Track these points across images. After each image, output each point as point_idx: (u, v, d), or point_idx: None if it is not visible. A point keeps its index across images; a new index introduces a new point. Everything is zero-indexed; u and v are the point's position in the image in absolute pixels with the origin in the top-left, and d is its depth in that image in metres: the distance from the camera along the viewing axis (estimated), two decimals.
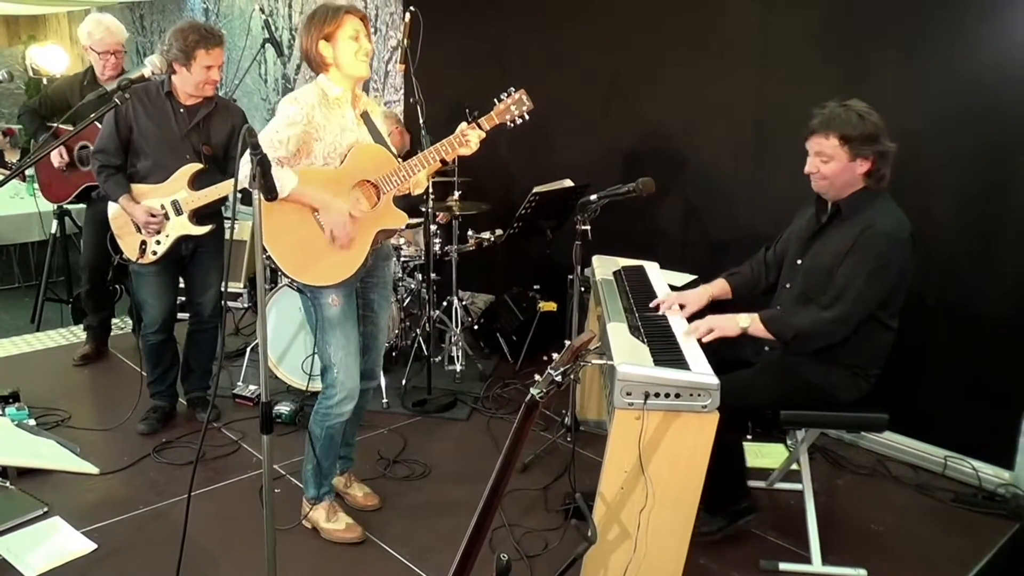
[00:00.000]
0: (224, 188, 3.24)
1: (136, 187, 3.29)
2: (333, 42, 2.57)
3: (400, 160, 2.73)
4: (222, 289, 3.55)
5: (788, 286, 2.79)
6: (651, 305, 2.87)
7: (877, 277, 2.48)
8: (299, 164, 2.60)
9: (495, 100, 2.74)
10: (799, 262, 2.76)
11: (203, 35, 3.14)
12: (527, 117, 2.74)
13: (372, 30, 5.60)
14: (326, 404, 2.75)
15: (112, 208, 3.34)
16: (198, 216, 3.32)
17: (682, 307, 2.87)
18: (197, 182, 3.28)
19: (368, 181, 2.68)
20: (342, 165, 2.64)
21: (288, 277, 2.64)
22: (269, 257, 2.60)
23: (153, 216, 3.25)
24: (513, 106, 2.72)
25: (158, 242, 3.32)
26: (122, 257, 3.41)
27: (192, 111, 3.30)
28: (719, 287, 2.97)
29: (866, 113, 2.51)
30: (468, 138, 2.70)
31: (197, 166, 3.28)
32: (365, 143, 2.69)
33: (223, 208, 3.43)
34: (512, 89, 2.73)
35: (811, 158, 2.59)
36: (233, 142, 3.33)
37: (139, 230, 3.30)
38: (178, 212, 3.29)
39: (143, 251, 3.32)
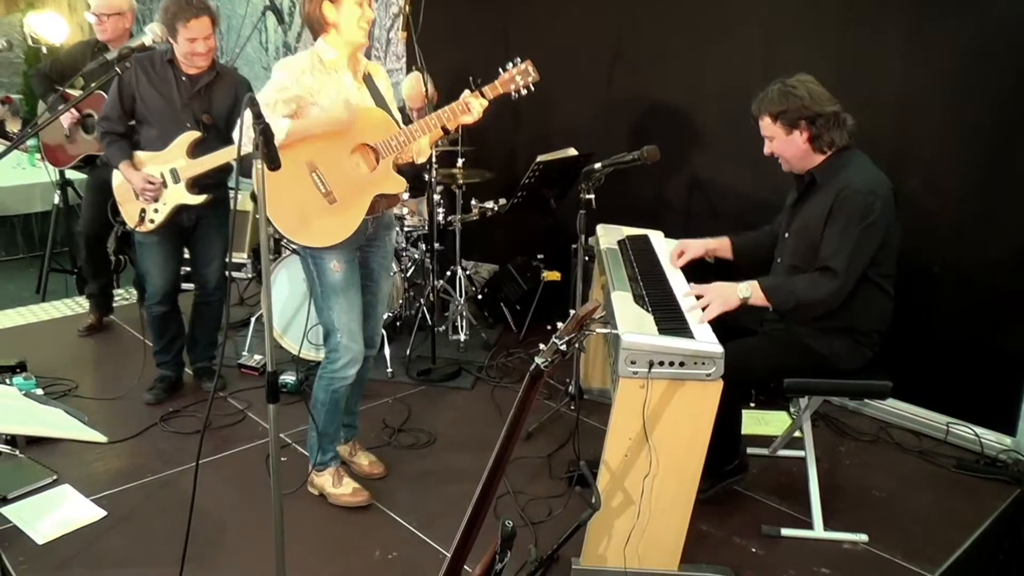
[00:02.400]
0: (221, 156, 3.21)
1: (137, 155, 3.28)
2: (338, 4, 2.54)
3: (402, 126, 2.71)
4: (227, 260, 3.55)
5: (779, 260, 2.83)
6: (659, 265, 2.96)
7: (863, 234, 2.50)
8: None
9: (500, 69, 2.70)
10: (786, 236, 2.80)
11: (181, 7, 3.08)
12: (532, 88, 2.71)
13: None
14: (331, 368, 2.77)
15: (116, 176, 3.35)
16: (197, 185, 3.30)
17: (681, 255, 3.00)
18: (196, 151, 3.26)
19: (367, 144, 2.66)
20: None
21: (283, 237, 2.62)
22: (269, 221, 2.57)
23: (151, 183, 3.24)
24: (518, 76, 2.68)
25: (156, 210, 3.31)
26: (124, 226, 3.42)
27: (194, 79, 3.27)
28: (719, 241, 3.04)
29: (791, 87, 2.59)
30: (471, 106, 2.66)
31: (196, 134, 3.26)
32: (365, 106, 2.66)
33: (227, 179, 3.42)
34: (518, 59, 2.70)
35: (765, 142, 2.70)
36: (236, 112, 3.31)
37: (138, 197, 3.30)
38: (176, 180, 3.28)
39: (142, 219, 3.31)
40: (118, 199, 3.39)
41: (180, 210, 3.34)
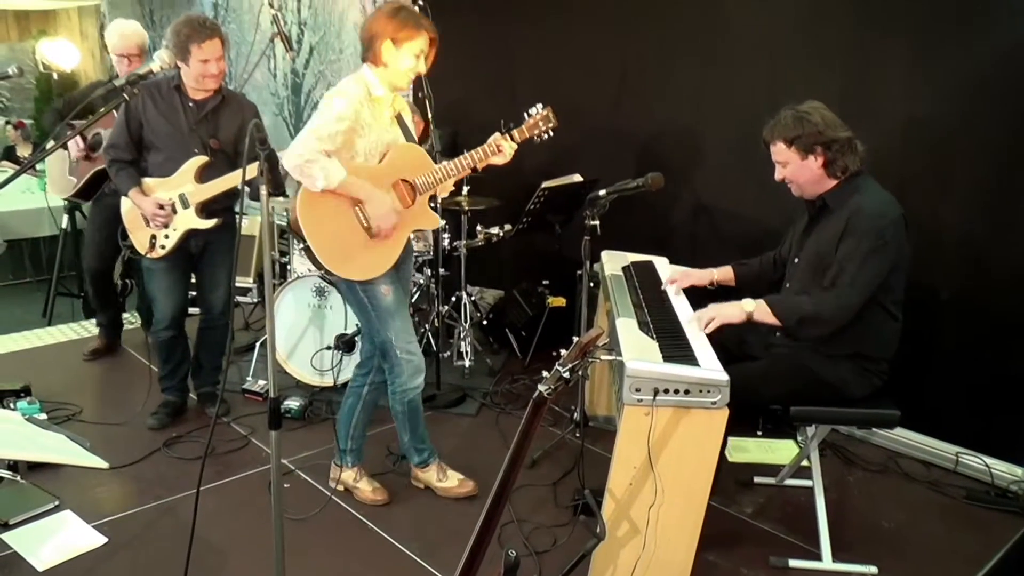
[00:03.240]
0: (230, 181, 3.24)
1: (146, 181, 3.30)
2: (398, 47, 2.63)
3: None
4: (233, 284, 3.56)
5: (788, 285, 2.82)
6: (662, 289, 3.00)
7: (874, 256, 2.50)
8: (340, 158, 2.64)
9: (524, 114, 2.87)
10: (796, 260, 2.80)
11: (195, 28, 3.12)
12: (552, 135, 2.88)
13: None
14: (398, 383, 2.89)
15: (125, 203, 3.36)
16: (205, 210, 3.33)
17: (674, 282, 3.01)
18: (204, 176, 3.29)
19: (405, 181, 2.76)
20: (381, 163, 2.72)
21: (324, 269, 2.70)
22: (308, 248, 2.64)
23: (161, 208, 3.26)
24: (541, 122, 2.87)
25: (167, 236, 3.33)
26: (133, 251, 3.44)
27: (200, 105, 3.30)
28: (723, 272, 3.04)
29: (805, 112, 2.60)
30: (502, 148, 2.82)
31: (203, 159, 3.28)
32: (403, 143, 2.78)
33: (236, 203, 3.43)
34: (540, 106, 2.87)
35: (776, 167, 2.70)
36: (243, 137, 3.33)
37: (148, 223, 3.32)
38: (185, 205, 3.30)
39: (153, 245, 3.33)
40: (128, 226, 3.41)
41: (188, 235, 3.36)
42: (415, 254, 4.35)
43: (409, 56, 2.64)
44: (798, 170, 2.64)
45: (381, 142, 2.71)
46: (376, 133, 2.68)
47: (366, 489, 3.08)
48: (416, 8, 2.76)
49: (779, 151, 2.65)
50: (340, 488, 3.10)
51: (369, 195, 2.66)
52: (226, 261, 3.53)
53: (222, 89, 3.34)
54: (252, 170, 3.06)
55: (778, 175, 2.71)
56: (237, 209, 3.32)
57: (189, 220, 3.32)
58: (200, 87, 3.26)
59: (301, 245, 2.62)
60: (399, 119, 2.83)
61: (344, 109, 2.58)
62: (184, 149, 3.28)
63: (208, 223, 3.34)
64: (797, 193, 2.73)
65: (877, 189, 2.62)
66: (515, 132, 2.84)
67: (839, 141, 2.57)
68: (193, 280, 3.62)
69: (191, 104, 3.29)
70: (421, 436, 3.07)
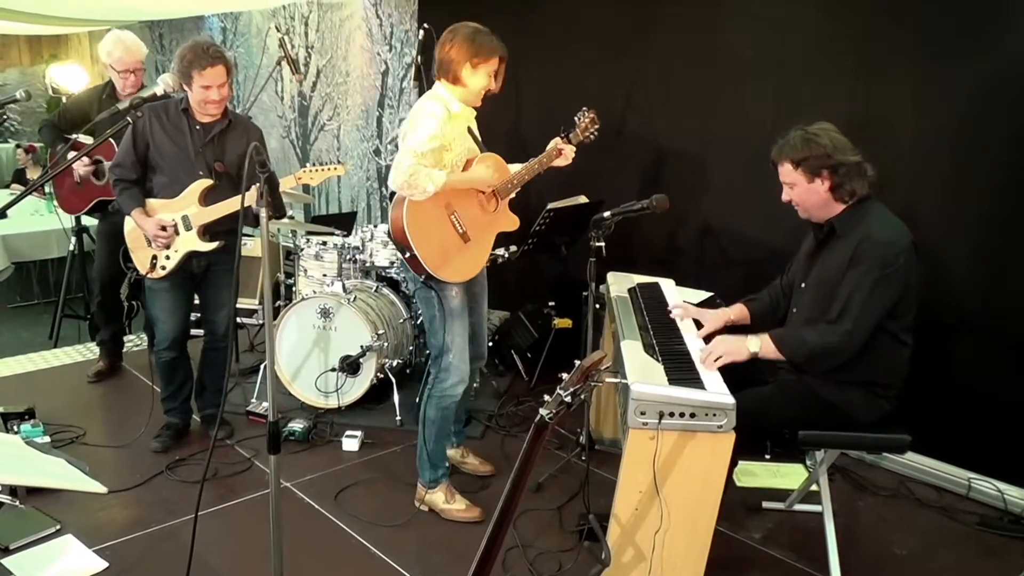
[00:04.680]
0: (232, 204, 3.25)
1: (150, 202, 3.32)
2: (476, 70, 2.83)
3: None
4: (236, 306, 3.55)
5: (795, 311, 2.79)
6: (668, 311, 3.01)
7: (881, 285, 2.46)
8: None
9: (575, 119, 3.09)
10: (803, 285, 2.76)
11: (198, 55, 3.13)
12: (597, 135, 3.12)
13: (388, 47, 5.63)
14: (440, 387, 3.00)
15: (128, 223, 3.37)
16: (208, 232, 3.33)
17: (699, 326, 2.89)
18: (208, 198, 3.30)
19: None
20: (466, 172, 2.93)
21: (427, 272, 2.85)
22: (413, 256, 2.80)
23: (163, 229, 3.26)
24: (589, 124, 3.09)
25: (167, 257, 3.34)
26: (136, 272, 3.44)
27: (207, 128, 3.31)
28: (738, 311, 2.96)
29: (814, 134, 2.57)
30: (564, 151, 3.06)
31: (208, 182, 3.29)
32: (482, 153, 3.00)
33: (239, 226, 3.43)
34: (585, 109, 3.09)
35: (784, 188, 2.68)
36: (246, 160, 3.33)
37: (150, 244, 3.32)
38: (187, 227, 3.31)
39: (154, 265, 3.34)
40: (129, 246, 3.42)
41: (190, 256, 3.36)
42: None
43: (485, 77, 2.85)
44: (805, 192, 2.60)
45: (463, 154, 2.92)
46: (459, 146, 2.89)
47: (474, 463, 3.40)
48: (486, 31, 2.88)
49: (786, 172, 2.62)
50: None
51: (471, 178, 2.91)
52: (229, 283, 3.52)
53: (228, 113, 3.36)
54: (253, 195, 3.10)
55: (785, 196, 2.68)
56: (247, 231, 3.31)
57: (190, 242, 3.33)
58: (203, 112, 3.27)
59: (406, 255, 2.82)
60: (469, 130, 2.99)
61: (436, 128, 2.77)
62: (189, 171, 3.29)
63: (209, 245, 3.34)
64: (804, 215, 2.69)
65: (887, 215, 2.58)
66: (571, 135, 3.07)
67: (847, 165, 2.53)
68: (196, 301, 3.61)
69: (198, 127, 3.30)
70: (441, 451, 3.11)
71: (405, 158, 2.72)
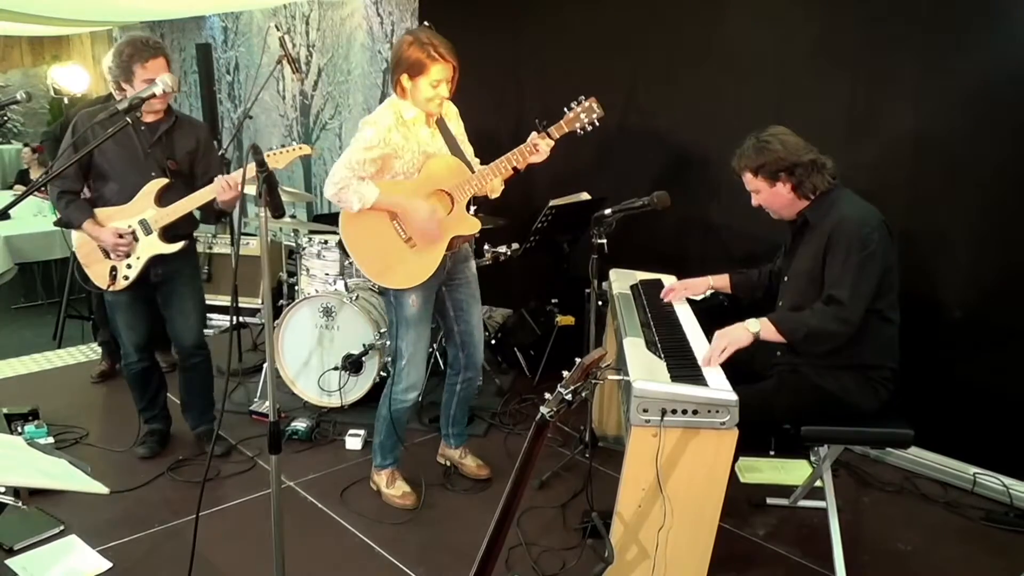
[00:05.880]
0: (195, 200, 3.11)
1: (100, 211, 3.14)
2: (414, 81, 2.74)
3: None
4: (239, 304, 3.54)
5: (780, 303, 2.81)
6: (661, 296, 3.11)
7: (864, 263, 2.49)
8: (380, 180, 2.80)
9: (565, 109, 2.86)
10: (786, 278, 2.80)
11: (138, 48, 3.00)
12: (597, 124, 2.87)
13: (389, 45, 5.62)
14: (395, 390, 3.05)
15: (76, 237, 3.20)
16: (168, 234, 3.19)
17: (671, 292, 3.11)
18: (164, 198, 3.15)
19: (442, 190, 2.88)
20: (418, 176, 2.84)
21: (370, 280, 2.85)
22: (351, 263, 2.74)
23: (121, 237, 3.10)
24: (583, 114, 2.86)
25: (129, 266, 3.17)
26: (93, 288, 3.26)
27: (153, 127, 3.17)
28: (720, 279, 3.11)
29: (766, 141, 2.64)
30: (539, 147, 2.85)
31: (163, 181, 3.14)
32: (439, 155, 2.88)
33: (197, 227, 3.37)
34: (582, 97, 2.85)
35: (752, 195, 2.75)
36: (199, 156, 3.25)
37: (107, 255, 3.17)
38: (147, 231, 3.15)
39: (114, 278, 3.16)
40: (82, 261, 3.21)
41: (150, 264, 3.20)
42: None
43: (425, 87, 2.73)
44: (770, 196, 2.69)
45: (418, 159, 2.82)
46: (410, 153, 2.80)
47: (471, 465, 3.38)
48: (429, 34, 2.76)
49: (749, 180, 2.71)
50: (446, 463, 3.41)
51: (404, 206, 2.80)
52: (193, 289, 3.40)
53: (172, 110, 3.23)
54: (207, 193, 3.07)
55: (754, 202, 2.76)
56: (247, 231, 3.28)
57: (153, 246, 3.17)
58: (147, 108, 3.08)
59: (348, 261, 2.71)
60: (441, 127, 2.91)
61: (371, 138, 2.72)
62: (142, 172, 3.14)
63: (174, 247, 3.19)
64: (776, 217, 2.77)
65: (855, 199, 2.63)
66: (552, 129, 2.85)
67: (802, 165, 2.60)
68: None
69: (143, 127, 3.14)
70: (391, 444, 3.18)
71: (338, 170, 2.73)
